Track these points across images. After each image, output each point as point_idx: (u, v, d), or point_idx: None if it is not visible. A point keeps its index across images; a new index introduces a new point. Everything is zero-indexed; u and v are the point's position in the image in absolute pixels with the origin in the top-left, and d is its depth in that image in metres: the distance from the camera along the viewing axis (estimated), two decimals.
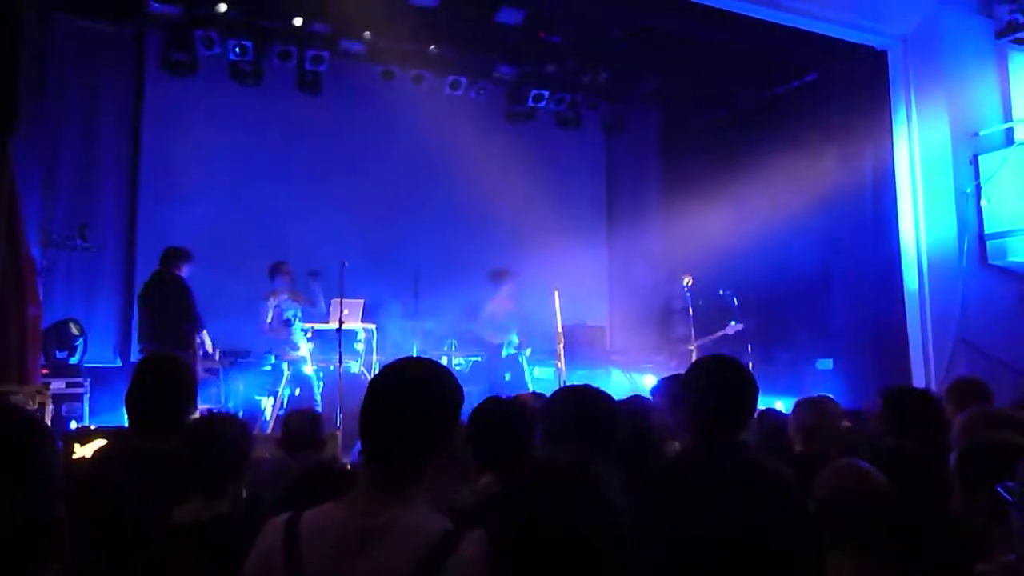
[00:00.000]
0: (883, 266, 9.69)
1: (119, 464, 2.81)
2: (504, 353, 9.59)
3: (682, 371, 3.11)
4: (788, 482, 2.69)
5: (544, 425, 2.62)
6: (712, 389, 2.78)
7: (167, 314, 7.72)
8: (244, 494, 3.10)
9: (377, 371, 2.18)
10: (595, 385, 2.65)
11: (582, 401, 2.66)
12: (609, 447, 2.40)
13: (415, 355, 2.30)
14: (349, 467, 5.79)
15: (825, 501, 2.48)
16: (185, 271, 7.94)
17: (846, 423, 4.99)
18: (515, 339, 9.80)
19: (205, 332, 8.15)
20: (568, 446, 2.40)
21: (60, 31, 9.76)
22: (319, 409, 8.38)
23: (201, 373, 8.03)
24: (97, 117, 10.27)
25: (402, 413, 1.94)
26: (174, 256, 7.90)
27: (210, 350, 8.45)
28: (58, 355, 8.97)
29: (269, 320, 8.97)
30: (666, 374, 10.26)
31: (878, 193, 9.91)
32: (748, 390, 2.83)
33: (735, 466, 2.69)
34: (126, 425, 3.24)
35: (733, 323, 9.90)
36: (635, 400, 3.82)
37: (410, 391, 1.96)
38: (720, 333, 9.93)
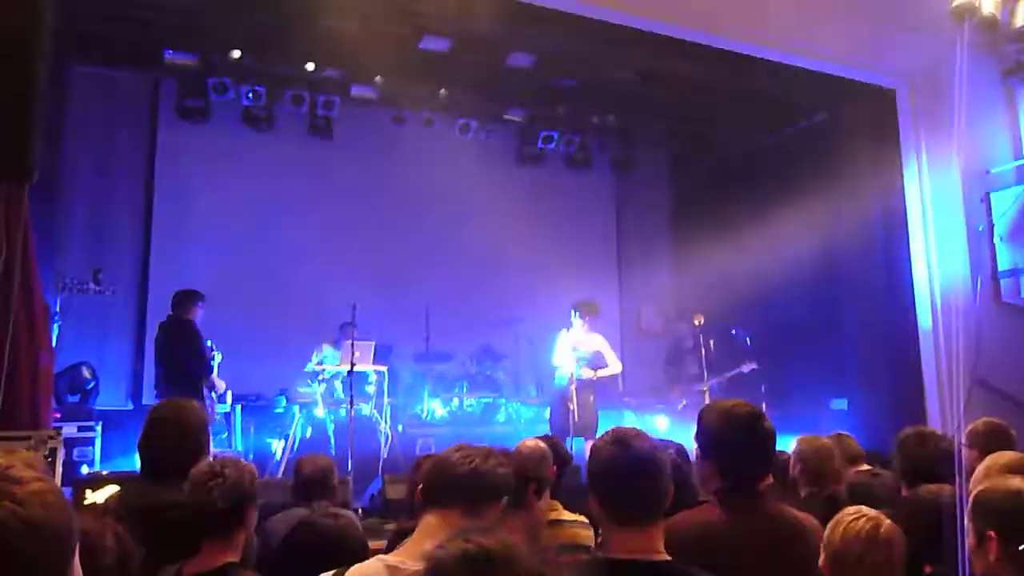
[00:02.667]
0: (896, 305, 9.63)
1: (131, 517, 2.80)
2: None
3: (694, 412, 3.09)
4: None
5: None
6: (742, 440, 2.77)
7: (176, 360, 7.75)
8: (256, 542, 3.08)
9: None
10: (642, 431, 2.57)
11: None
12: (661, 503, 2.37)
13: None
14: (359, 511, 5.75)
15: (838, 552, 2.50)
16: (196, 314, 7.96)
17: (864, 465, 4.95)
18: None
19: (215, 376, 8.16)
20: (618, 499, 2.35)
21: (77, 78, 9.94)
22: (331, 453, 8.36)
23: (213, 418, 8.03)
24: (112, 162, 10.43)
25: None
26: (183, 300, 7.95)
27: (221, 390, 8.43)
28: (70, 399, 8.99)
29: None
30: (677, 415, 10.33)
31: (890, 231, 9.88)
32: (773, 438, 2.84)
33: (770, 525, 2.73)
34: (138, 470, 3.24)
35: (747, 363, 9.86)
36: (675, 448, 3.78)
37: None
38: (734, 372, 9.89)
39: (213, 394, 8.01)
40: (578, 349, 8.74)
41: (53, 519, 1.28)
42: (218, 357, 8.31)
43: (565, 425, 8.35)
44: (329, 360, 9.38)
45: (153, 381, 7.88)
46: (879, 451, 6.24)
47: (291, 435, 8.84)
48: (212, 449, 7.54)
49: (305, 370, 9.43)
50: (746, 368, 9.83)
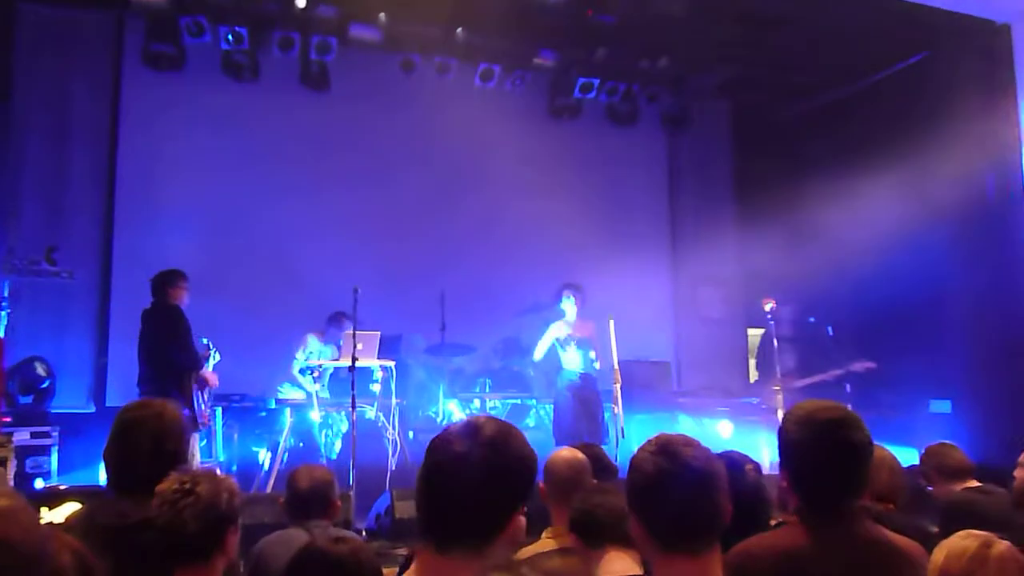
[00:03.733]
0: (1009, 285, 9.52)
1: (95, 539, 2.81)
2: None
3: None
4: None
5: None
6: (821, 451, 2.75)
7: (158, 351, 7.80)
8: (242, 568, 3.10)
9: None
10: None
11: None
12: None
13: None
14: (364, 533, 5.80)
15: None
16: (181, 298, 8.01)
17: (972, 481, 4.88)
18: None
19: (208, 371, 8.21)
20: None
21: (25, 19, 10.00)
22: (327, 463, 8.41)
23: (204, 420, 8.10)
24: (67, 120, 10.46)
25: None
26: (164, 282, 7.99)
27: (214, 387, 8.47)
28: (21, 400, 9.08)
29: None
30: (744, 420, 10.28)
31: (1003, 195, 9.76)
32: (863, 450, 2.81)
33: (865, 551, 2.72)
34: (104, 485, 3.26)
35: (859, 360, 9.81)
36: (744, 458, 3.75)
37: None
38: (839, 371, 9.81)
39: (204, 393, 8.05)
40: (575, 338, 9.12)
41: (24, 540, 1.28)
42: (215, 357, 8.38)
43: (578, 430, 8.65)
44: (317, 356, 9.43)
45: (136, 379, 7.92)
46: (991, 464, 6.15)
47: (281, 443, 8.88)
48: (197, 458, 7.66)
49: (294, 367, 9.47)
50: (860, 367, 9.76)
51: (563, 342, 9.23)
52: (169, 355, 7.75)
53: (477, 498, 1.97)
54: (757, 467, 3.54)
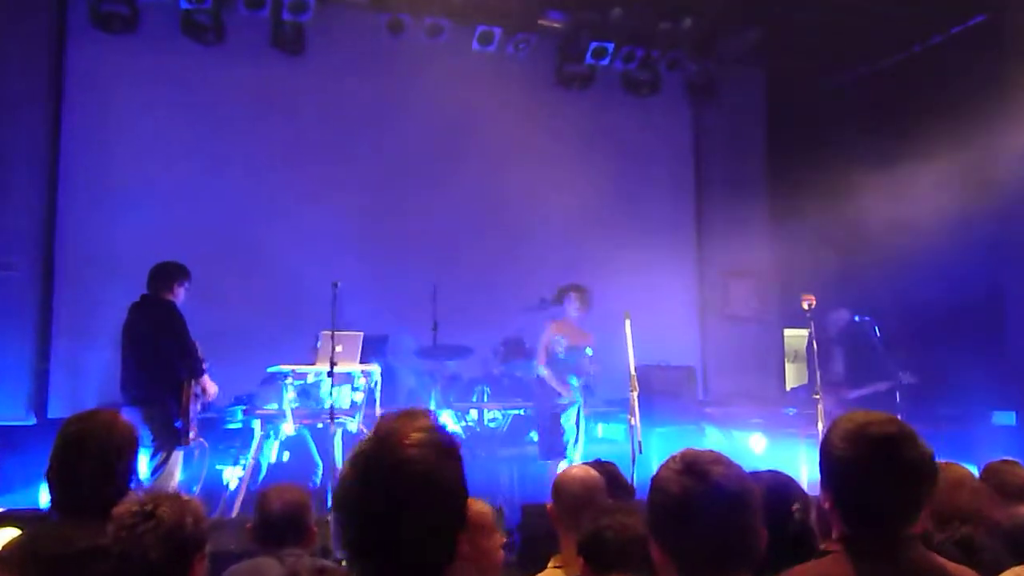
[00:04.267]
0: None
1: (37, 569, 2.81)
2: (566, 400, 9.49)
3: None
4: None
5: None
6: (874, 472, 2.73)
7: (155, 354, 7.78)
8: None
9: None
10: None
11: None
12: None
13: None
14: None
15: None
16: (179, 296, 8.02)
17: None
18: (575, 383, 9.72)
19: (207, 379, 8.19)
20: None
21: None
22: (307, 483, 8.41)
23: (196, 441, 8.05)
24: (3, 89, 10.43)
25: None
26: (170, 275, 7.99)
27: (212, 397, 8.45)
28: None
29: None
30: (780, 433, 10.27)
31: None
32: (925, 470, 2.79)
33: None
34: (45, 507, 3.25)
35: (902, 373, 9.81)
36: (788, 483, 3.73)
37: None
38: (889, 383, 9.81)
39: (199, 405, 8.01)
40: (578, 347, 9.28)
41: None
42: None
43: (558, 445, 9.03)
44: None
45: (120, 383, 7.89)
46: None
47: (250, 459, 8.88)
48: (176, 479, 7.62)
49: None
50: (907, 378, 9.75)
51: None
52: (169, 358, 7.72)
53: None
54: (805, 503, 3.51)
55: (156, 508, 2.80)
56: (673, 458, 2.41)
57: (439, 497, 2.02)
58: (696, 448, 2.46)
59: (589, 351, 9.29)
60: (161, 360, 7.70)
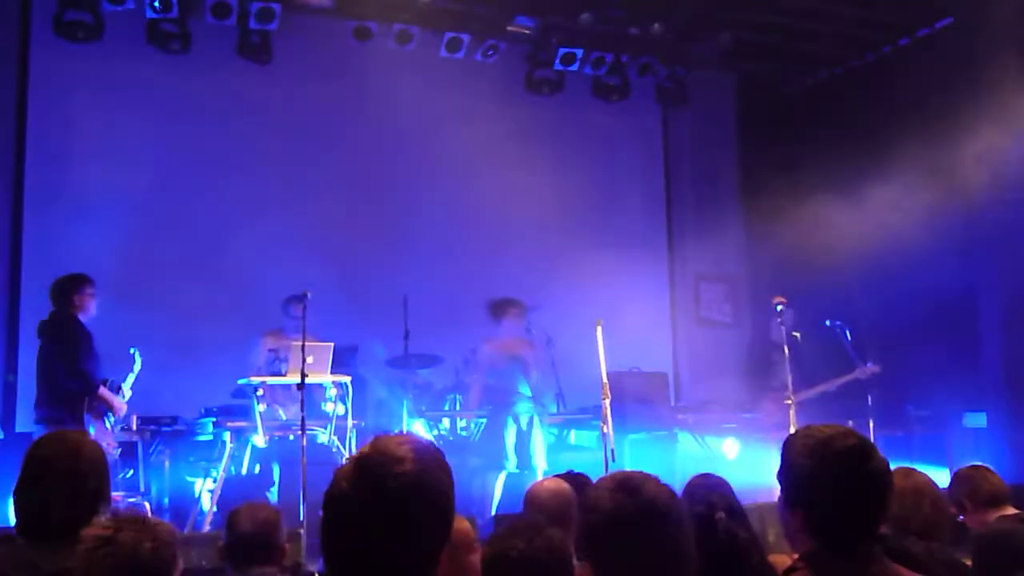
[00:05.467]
0: None
1: None
2: (508, 416, 9.59)
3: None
4: None
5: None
6: (843, 487, 2.75)
7: (47, 371, 7.76)
8: None
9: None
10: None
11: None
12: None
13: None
14: None
15: None
16: (84, 306, 7.97)
17: (1009, 509, 4.93)
18: (526, 392, 9.80)
19: (108, 393, 8.14)
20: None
21: None
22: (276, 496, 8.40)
23: (109, 451, 7.96)
24: None
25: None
26: (61, 289, 7.96)
27: (119, 415, 8.41)
28: None
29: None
30: (755, 438, 10.32)
31: None
32: (887, 481, 2.82)
33: None
34: (11, 525, 3.25)
35: (863, 365, 9.79)
36: (716, 483, 3.77)
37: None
38: (847, 379, 9.82)
39: (108, 420, 7.98)
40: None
41: None
42: (136, 367, 8.33)
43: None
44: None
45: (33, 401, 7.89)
46: None
47: (220, 472, 8.85)
48: (114, 495, 7.57)
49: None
50: (863, 373, 9.77)
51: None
52: (57, 377, 7.70)
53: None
54: (731, 510, 3.53)
55: (116, 532, 2.79)
56: (606, 477, 2.46)
57: (435, 511, 2.03)
58: (630, 470, 2.49)
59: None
60: (52, 379, 7.70)
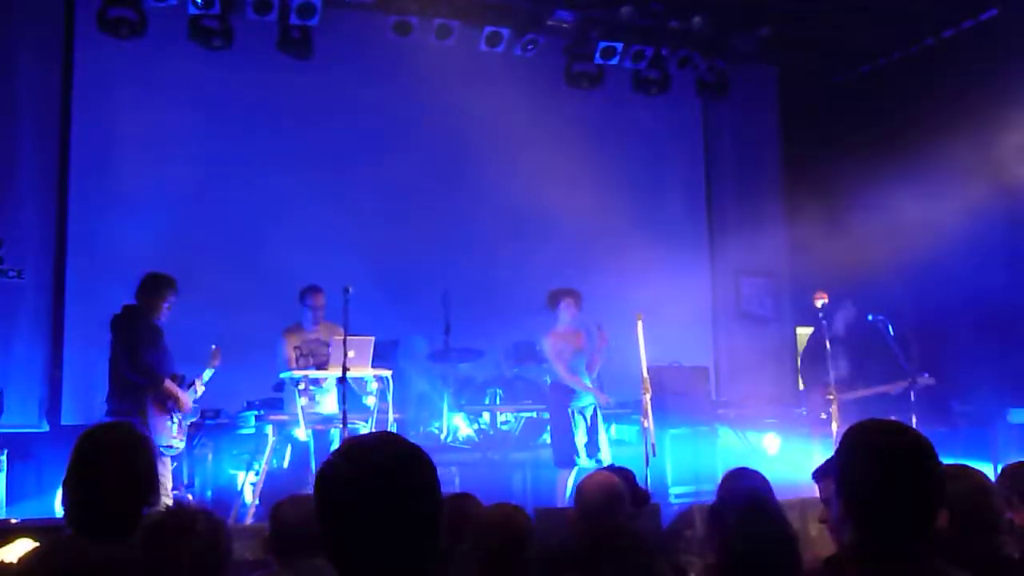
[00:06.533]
0: None
1: None
2: (573, 410, 9.50)
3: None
4: None
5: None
6: (897, 486, 2.71)
7: (118, 364, 7.81)
8: None
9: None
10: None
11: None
12: None
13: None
14: None
15: None
16: (156, 306, 8.00)
17: None
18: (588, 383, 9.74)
19: (172, 387, 8.16)
20: None
21: None
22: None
23: (158, 447, 7.97)
24: (11, 95, 10.48)
25: None
26: (143, 286, 7.99)
27: (185, 409, 8.41)
28: None
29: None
30: (793, 434, 10.28)
31: None
32: (943, 482, 2.77)
33: None
34: (61, 517, 3.27)
35: (925, 374, 9.69)
36: (757, 481, 3.76)
37: None
38: (900, 385, 9.70)
39: (175, 417, 7.97)
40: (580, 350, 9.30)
41: None
42: (215, 361, 8.37)
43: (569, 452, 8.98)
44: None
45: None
46: None
47: (263, 466, 8.90)
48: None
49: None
50: (917, 383, 9.65)
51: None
52: (122, 371, 7.76)
53: None
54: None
55: (194, 522, 2.81)
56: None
57: (437, 494, 2.05)
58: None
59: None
60: (118, 372, 7.75)
